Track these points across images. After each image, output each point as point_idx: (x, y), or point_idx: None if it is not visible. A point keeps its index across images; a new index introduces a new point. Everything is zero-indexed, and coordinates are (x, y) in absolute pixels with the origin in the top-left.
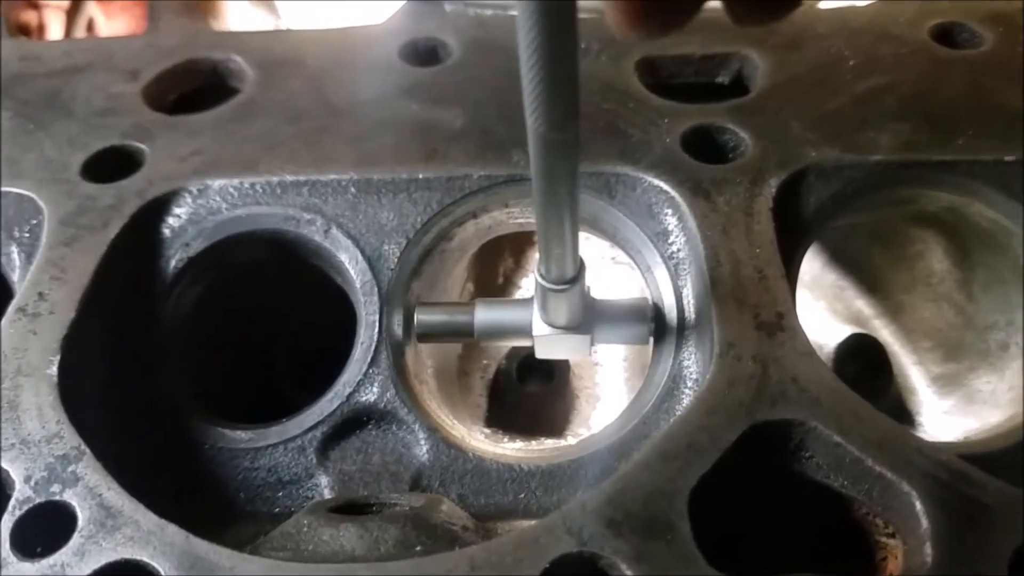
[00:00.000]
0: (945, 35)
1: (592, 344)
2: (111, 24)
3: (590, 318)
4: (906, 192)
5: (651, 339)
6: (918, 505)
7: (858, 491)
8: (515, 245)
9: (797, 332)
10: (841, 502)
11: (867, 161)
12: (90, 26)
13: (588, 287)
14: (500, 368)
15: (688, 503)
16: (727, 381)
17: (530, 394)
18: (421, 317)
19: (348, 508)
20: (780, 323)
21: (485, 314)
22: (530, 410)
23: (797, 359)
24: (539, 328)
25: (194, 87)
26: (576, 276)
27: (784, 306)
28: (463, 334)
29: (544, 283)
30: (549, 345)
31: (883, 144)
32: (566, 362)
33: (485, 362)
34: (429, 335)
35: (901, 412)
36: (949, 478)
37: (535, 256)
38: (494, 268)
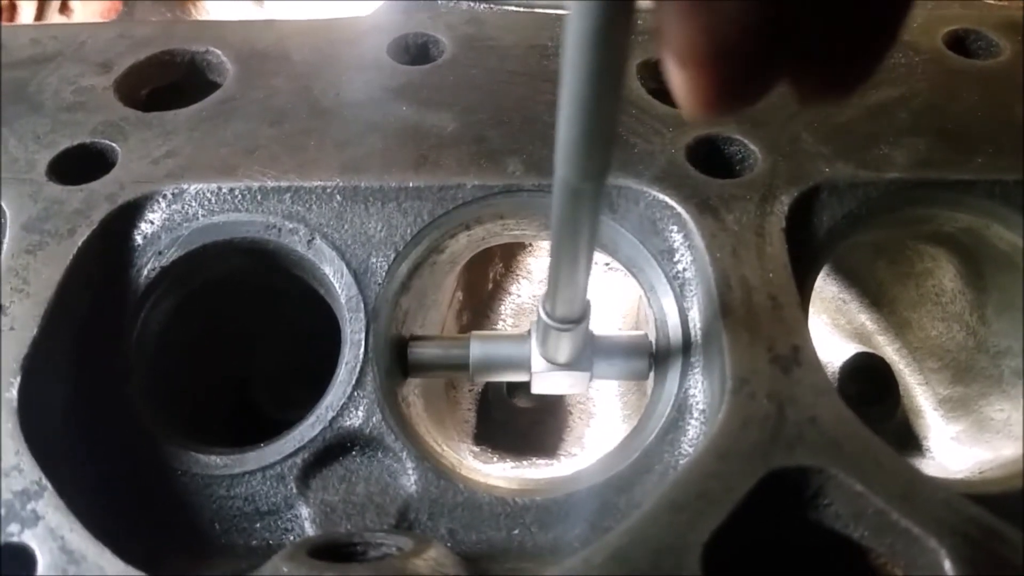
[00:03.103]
0: (959, 43)
1: (591, 380)
2: (86, 6)
3: (589, 354)
4: (922, 212)
5: (651, 374)
6: (947, 564)
7: (880, 544)
8: (506, 249)
9: (815, 368)
10: (861, 553)
11: (882, 179)
12: (63, 7)
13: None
14: (490, 382)
15: (701, 559)
16: (740, 422)
17: (521, 410)
18: (415, 351)
19: (329, 549)
20: (796, 357)
21: (481, 349)
22: (521, 427)
23: (815, 398)
24: (538, 364)
25: (170, 81)
26: (583, 316)
27: (800, 338)
28: (458, 368)
29: (549, 321)
30: (547, 381)
31: (898, 161)
32: None
33: None
34: (422, 369)
35: (908, 436)
36: (980, 535)
37: (526, 261)
38: (484, 274)
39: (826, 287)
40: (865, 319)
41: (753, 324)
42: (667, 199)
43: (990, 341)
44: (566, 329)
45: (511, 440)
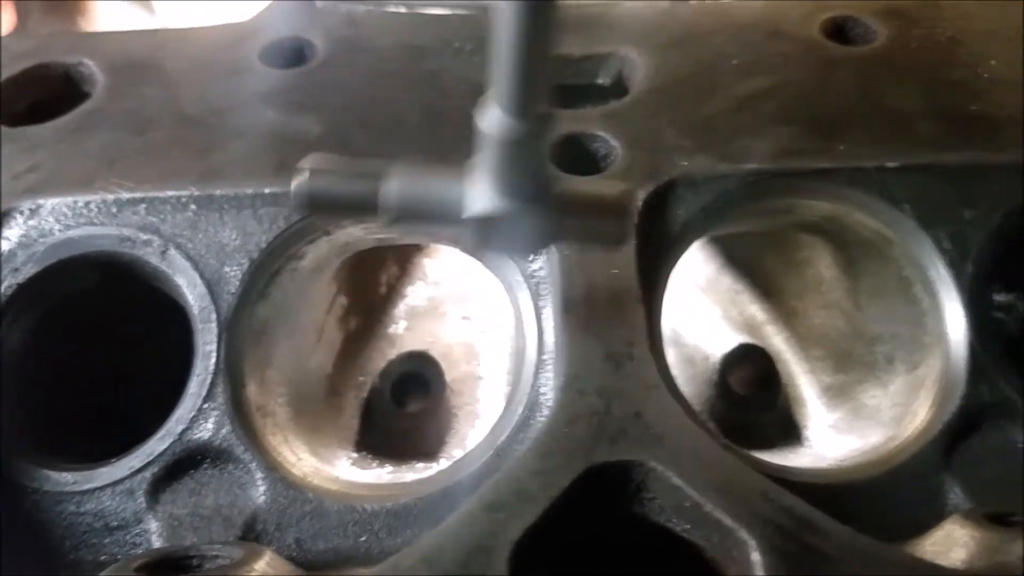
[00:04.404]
0: (838, 30)
1: (553, 235)
2: None
3: (550, 197)
4: (781, 203)
5: (631, 240)
6: (754, 556)
7: (700, 537)
8: (400, 251)
9: (646, 363)
10: (688, 547)
11: (739, 170)
12: None
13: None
14: (373, 387)
15: (510, 559)
16: (567, 419)
17: (406, 414)
18: (309, 181)
19: (161, 564)
20: (630, 352)
21: (401, 181)
22: (405, 431)
23: (644, 393)
24: (483, 199)
25: (47, 95)
26: (548, 115)
27: (636, 334)
28: (365, 209)
29: (499, 124)
30: (493, 229)
31: (759, 152)
32: (442, 379)
33: (361, 379)
34: (320, 205)
35: (789, 425)
36: (792, 526)
37: (424, 263)
38: (374, 278)
39: (720, 279)
40: (755, 310)
41: (592, 321)
42: None
43: (865, 328)
44: (525, 135)
45: (394, 444)
